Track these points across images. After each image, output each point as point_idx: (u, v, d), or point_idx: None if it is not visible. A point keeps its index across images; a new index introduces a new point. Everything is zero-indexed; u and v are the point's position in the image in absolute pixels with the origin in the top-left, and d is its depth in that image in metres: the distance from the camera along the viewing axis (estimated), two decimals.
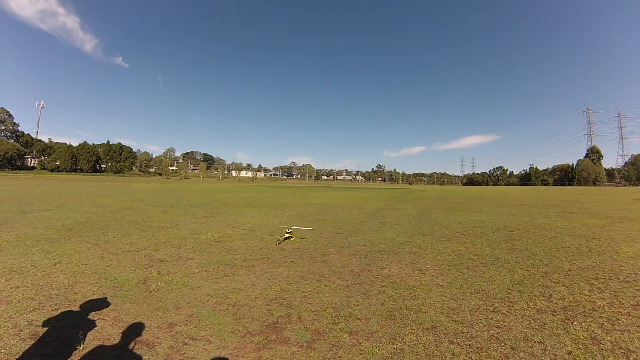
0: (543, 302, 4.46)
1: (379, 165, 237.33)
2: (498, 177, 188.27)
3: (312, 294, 4.82)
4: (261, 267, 6.17)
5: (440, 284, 5.23)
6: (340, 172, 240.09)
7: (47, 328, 3.55)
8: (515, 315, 4.03)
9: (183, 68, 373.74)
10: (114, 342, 3.30)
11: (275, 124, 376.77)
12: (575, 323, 3.80)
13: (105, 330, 3.52)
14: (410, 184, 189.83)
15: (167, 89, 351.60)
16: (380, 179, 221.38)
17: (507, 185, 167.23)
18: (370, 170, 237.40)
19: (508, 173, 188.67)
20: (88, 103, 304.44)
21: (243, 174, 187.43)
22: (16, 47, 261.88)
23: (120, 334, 3.45)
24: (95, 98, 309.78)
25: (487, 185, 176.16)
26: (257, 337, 3.47)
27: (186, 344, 3.31)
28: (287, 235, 8.51)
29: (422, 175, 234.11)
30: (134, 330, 3.53)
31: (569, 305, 4.32)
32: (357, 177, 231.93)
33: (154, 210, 14.98)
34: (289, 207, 18.75)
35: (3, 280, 4.97)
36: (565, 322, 3.84)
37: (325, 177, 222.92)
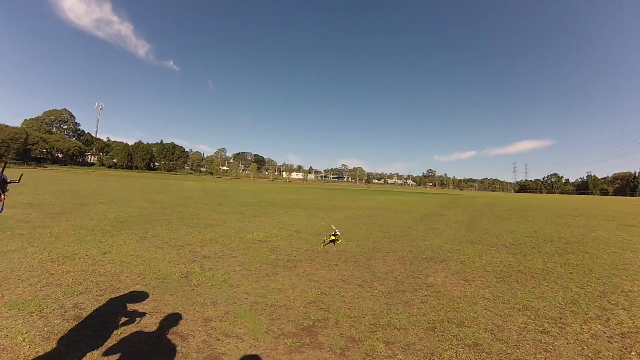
0: (599, 325, 4.14)
1: (430, 169, 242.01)
2: (552, 185, 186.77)
3: (352, 299, 4.84)
4: (304, 268, 6.30)
5: (486, 296, 5.09)
6: (391, 176, 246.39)
7: (90, 311, 3.91)
8: (567, 338, 3.79)
9: (233, 71, 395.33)
10: (151, 330, 3.55)
11: (326, 126, 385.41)
12: (633, 353, 3.50)
13: (144, 319, 3.80)
14: (460, 189, 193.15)
15: (217, 91, 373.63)
16: (430, 183, 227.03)
17: (562, 193, 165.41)
18: (421, 175, 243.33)
19: (563, 181, 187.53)
20: (143, 104, 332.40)
21: (294, 175, 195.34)
22: (76, 53, 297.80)
23: (157, 324, 3.70)
24: (150, 100, 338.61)
25: (541, 193, 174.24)
26: (291, 340, 3.54)
27: (219, 339, 3.45)
28: (332, 237, 8.59)
29: (473, 181, 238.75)
30: (171, 322, 3.76)
31: (628, 332, 3.98)
32: (408, 181, 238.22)
33: (203, 208, 15.84)
34: (337, 209, 19.24)
35: (56, 265, 5.56)
36: (622, 351, 3.54)
37: (376, 181, 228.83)
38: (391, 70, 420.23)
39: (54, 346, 3.15)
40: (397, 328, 3.92)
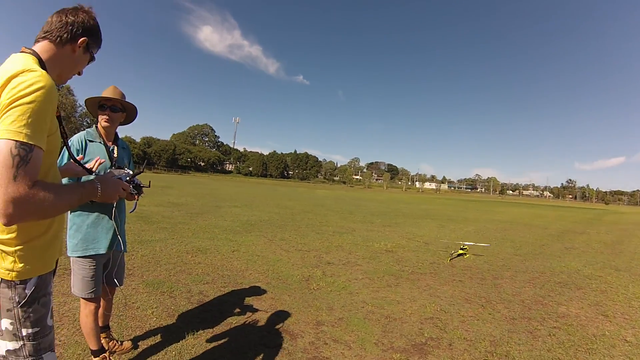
0: None
1: (569, 180, 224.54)
2: None
3: (471, 320, 4.56)
4: (427, 282, 6.18)
5: (628, 339, 4.27)
6: (526, 187, 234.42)
7: (212, 299, 4.51)
8: None
9: (362, 82, 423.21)
10: (263, 324, 3.88)
11: (459, 134, 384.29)
12: None
13: (259, 314, 4.16)
14: (606, 203, 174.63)
15: (348, 101, 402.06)
16: (570, 196, 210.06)
17: None
18: (559, 186, 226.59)
19: None
20: (276, 117, 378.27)
21: (427, 185, 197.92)
22: (214, 76, 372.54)
23: (271, 319, 4.02)
24: (282, 112, 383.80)
25: None
26: (399, 355, 3.45)
27: (327, 343, 3.56)
28: (460, 251, 8.56)
29: (621, 193, 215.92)
30: (283, 320, 4.04)
31: None
32: (545, 192, 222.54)
33: (333, 215, 16.61)
34: (469, 221, 18.93)
35: (190, 256, 6.54)
36: None
37: (511, 192, 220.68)
38: (523, 70, 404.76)
39: (174, 322, 3.72)
40: None
